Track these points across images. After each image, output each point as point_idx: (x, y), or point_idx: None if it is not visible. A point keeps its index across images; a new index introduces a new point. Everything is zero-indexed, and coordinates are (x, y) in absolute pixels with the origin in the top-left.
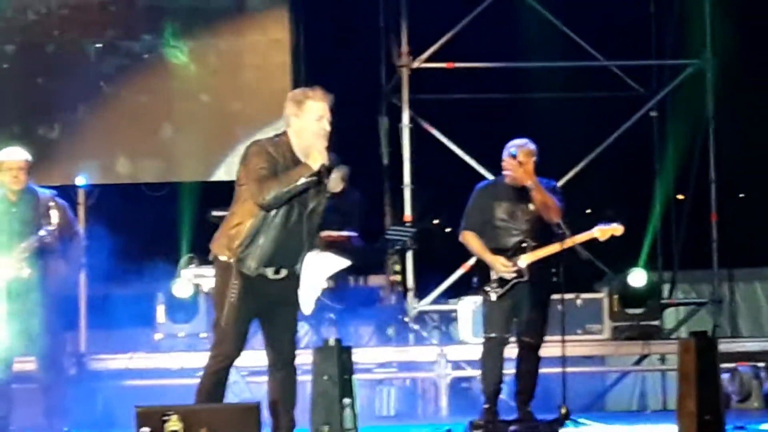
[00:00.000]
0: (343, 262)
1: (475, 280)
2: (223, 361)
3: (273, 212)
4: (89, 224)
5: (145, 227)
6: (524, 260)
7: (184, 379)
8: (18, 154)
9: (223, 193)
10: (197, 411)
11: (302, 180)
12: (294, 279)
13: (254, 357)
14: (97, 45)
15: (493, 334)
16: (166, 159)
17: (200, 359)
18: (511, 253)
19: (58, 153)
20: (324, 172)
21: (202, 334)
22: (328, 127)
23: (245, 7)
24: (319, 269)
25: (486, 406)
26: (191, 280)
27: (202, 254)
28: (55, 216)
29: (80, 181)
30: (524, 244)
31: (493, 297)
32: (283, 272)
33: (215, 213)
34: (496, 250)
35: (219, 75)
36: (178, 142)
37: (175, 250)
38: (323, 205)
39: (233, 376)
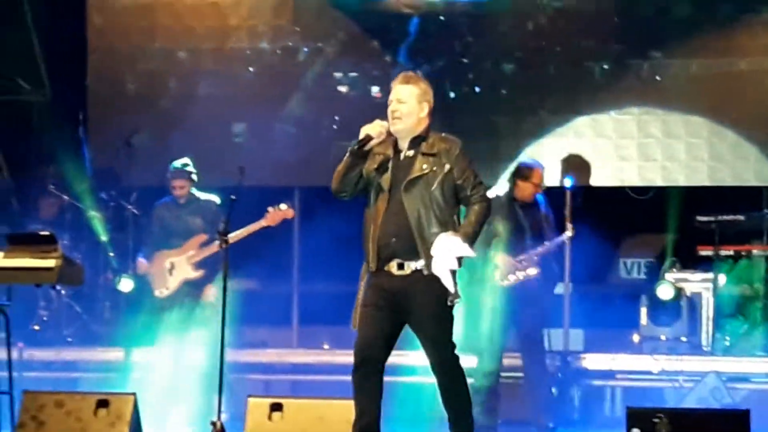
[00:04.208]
0: (468, 251)
1: None
2: (355, 358)
3: (368, 203)
4: (575, 224)
5: (630, 229)
6: None
7: (663, 382)
8: None
9: (707, 198)
10: (686, 414)
11: (347, 155)
12: (424, 276)
13: (733, 364)
14: (604, 65)
15: None
16: (656, 166)
17: (681, 363)
18: None
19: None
20: (364, 143)
21: (683, 337)
22: (392, 107)
23: (743, 13)
24: (447, 250)
25: None
26: (674, 283)
27: (685, 258)
28: None
29: (567, 183)
30: None
31: None
32: (408, 267)
33: (701, 218)
34: None
35: (713, 84)
36: (668, 149)
37: (660, 253)
38: (415, 176)
39: (713, 381)
